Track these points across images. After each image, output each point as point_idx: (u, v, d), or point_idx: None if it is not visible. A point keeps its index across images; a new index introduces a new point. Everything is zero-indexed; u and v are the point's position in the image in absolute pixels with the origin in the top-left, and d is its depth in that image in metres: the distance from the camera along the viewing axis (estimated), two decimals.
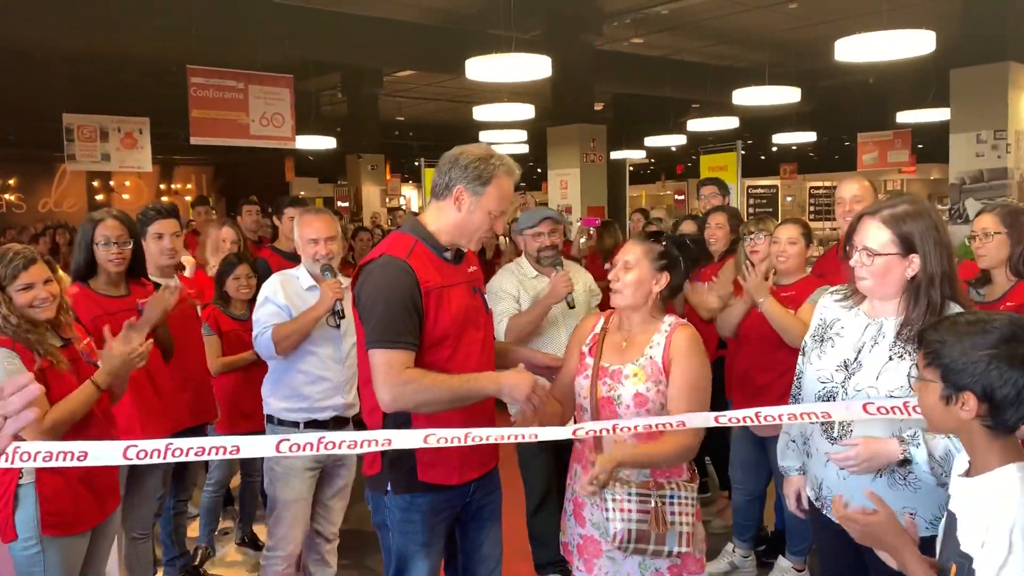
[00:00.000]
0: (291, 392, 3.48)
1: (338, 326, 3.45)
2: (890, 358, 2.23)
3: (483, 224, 2.48)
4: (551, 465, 3.85)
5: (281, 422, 3.48)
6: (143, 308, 3.21)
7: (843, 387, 2.30)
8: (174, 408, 3.54)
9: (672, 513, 2.40)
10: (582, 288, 4.03)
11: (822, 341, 2.42)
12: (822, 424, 2.34)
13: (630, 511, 2.38)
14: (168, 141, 13.63)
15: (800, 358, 2.52)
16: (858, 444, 2.17)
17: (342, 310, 3.37)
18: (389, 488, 2.50)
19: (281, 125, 10.64)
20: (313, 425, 3.45)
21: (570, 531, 2.67)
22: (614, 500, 2.39)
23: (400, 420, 2.42)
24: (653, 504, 2.40)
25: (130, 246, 3.28)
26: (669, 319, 2.57)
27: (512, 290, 3.87)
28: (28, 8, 8.79)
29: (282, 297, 3.44)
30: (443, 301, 2.42)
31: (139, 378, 3.14)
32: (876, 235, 2.22)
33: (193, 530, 4.43)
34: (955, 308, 2.20)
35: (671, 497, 2.42)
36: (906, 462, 2.14)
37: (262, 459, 3.85)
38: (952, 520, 1.70)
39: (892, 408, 2.13)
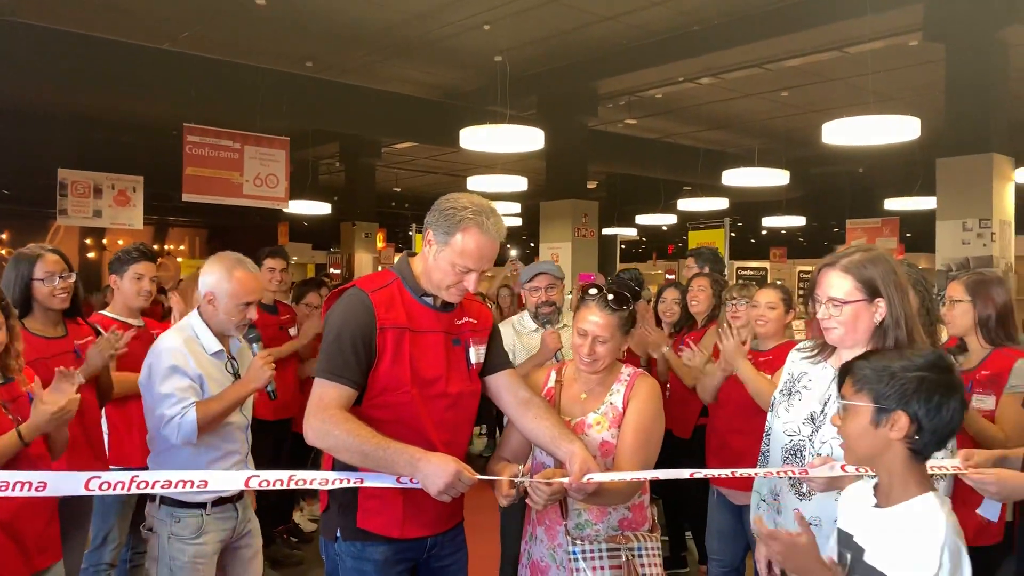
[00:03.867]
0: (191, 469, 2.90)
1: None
2: None
3: (447, 276, 2.30)
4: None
5: (181, 503, 2.88)
6: (80, 351, 3.11)
7: (810, 440, 2.29)
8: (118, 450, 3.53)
9: (642, 565, 2.39)
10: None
11: (790, 395, 2.42)
12: (790, 479, 2.31)
13: (603, 568, 2.37)
14: (163, 202, 13.73)
15: (769, 414, 2.51)
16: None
17: (275, 390, 3.00)
18: (339, 534, 2.36)
19: (275, 186, 10.76)
20: (220, 503, 2.94)
21: None
22: (585, 559, 2.36)
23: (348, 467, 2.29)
24: (624, 559, 2.39)
25: (72, 279, 3.20)
26: (628, 369, 2.60)
27: (508, 343, 3.85)
28: (30, 67, 8.97)
29: (194, 365, 2.91)
30: (403, 344, 2.29)
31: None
32: (839, 284, 2.23)
33: None
34: None
35: (639, 549, 2.41)
36: None
37: None
38: (856, 549, 1.74)
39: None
